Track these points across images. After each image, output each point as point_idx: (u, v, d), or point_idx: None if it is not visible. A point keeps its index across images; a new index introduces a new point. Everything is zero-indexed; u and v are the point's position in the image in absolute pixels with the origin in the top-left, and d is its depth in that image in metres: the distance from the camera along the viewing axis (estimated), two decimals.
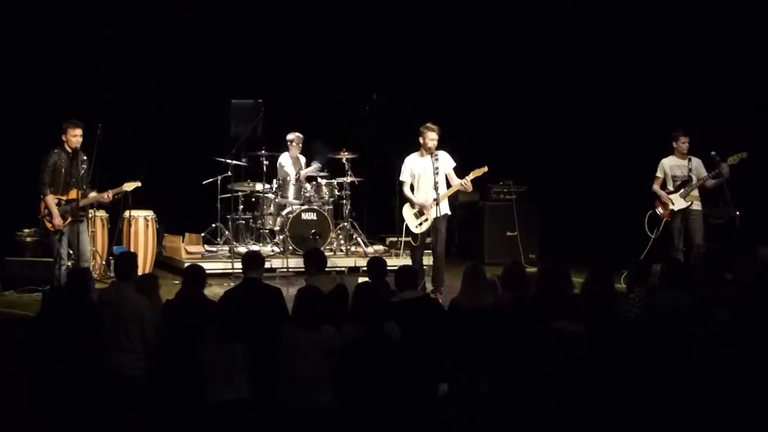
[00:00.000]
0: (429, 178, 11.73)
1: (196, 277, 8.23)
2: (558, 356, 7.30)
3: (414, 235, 12.11)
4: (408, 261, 12.48)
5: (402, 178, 12.00)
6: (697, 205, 12.60)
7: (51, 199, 11.46)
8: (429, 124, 11.77)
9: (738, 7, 14.04)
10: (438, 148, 11.75)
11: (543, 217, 15.79)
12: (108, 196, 11.90)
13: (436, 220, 11.66)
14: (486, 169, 11.99)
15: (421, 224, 11.89)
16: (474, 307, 8.08)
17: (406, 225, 12.13)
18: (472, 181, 11.89)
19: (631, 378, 7.31)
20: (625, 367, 7.34)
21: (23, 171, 12.76)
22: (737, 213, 12.38)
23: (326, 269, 9.87)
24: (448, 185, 11.82)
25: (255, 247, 13.99)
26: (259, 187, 14.78)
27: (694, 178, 12.50)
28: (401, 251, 14.04)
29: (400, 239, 13.94)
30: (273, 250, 14.50)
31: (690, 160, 12.63)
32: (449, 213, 11.98)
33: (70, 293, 8.10)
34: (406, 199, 11.98)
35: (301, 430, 7.12)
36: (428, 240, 12.03)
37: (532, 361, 7.37)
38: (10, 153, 13.74)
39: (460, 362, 7.81)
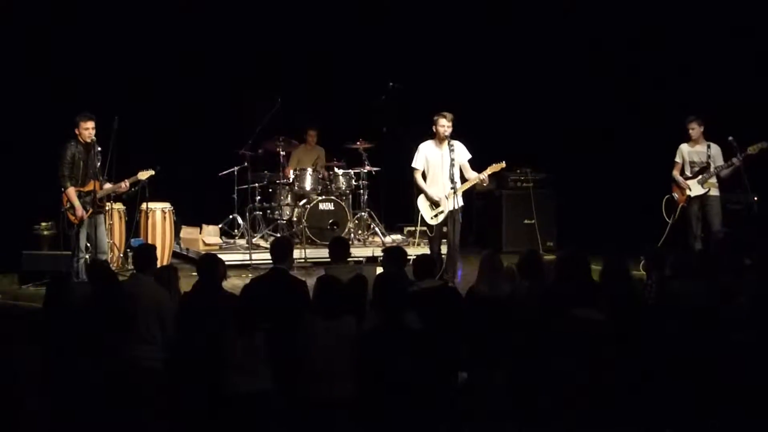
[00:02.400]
0: (444, 168, 11.61)
1: (210, 266, 8.21)
2: (577, 343, 7.29)
3: (430, 226, 12.05)
4: (425, 250, 12.47)
5: (414, 164, 11.86)
6: (714, 191, 12.56)
7: (72, 192, 11.55)
8: (442, 112, 11.68)
9: None
10: (455, 136, 11.68)
11: (560, 205, 15.75)
12: (125, 185, 11.93)
13: (453, 211, 11.60)
14: (504, 164, 11.90)
15: (436, 215, 11.78)
16: (491, 295, 8.07)
17: (421, 215, 12.06)
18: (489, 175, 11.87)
19: (651, 364, 7.31)
20: (645, 353, 7.33)
21: (38, 165, 12.82)
22: (755, 198, 12.35)
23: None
24: (462, 176, 11.75)
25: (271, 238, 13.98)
26: (276, 177, 14.82)
27: (712, 165, 12.46)
28: (417, 240, 13.98)
29: (415, 228, 13.90)
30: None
31: (709, 146, 12.58)
32: (463, 204, 11.84)
33: (97, 285, 8.13)
34: (420, 190, 11.89)
35: (321, 420, 7.13)
36: (445, 229, 11.98)
37: (550, 349, 7.37)
38: (26, 147, 13.76)
39: (479, 351, 7.81)
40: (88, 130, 11.55)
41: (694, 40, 14.61)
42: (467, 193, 12.07)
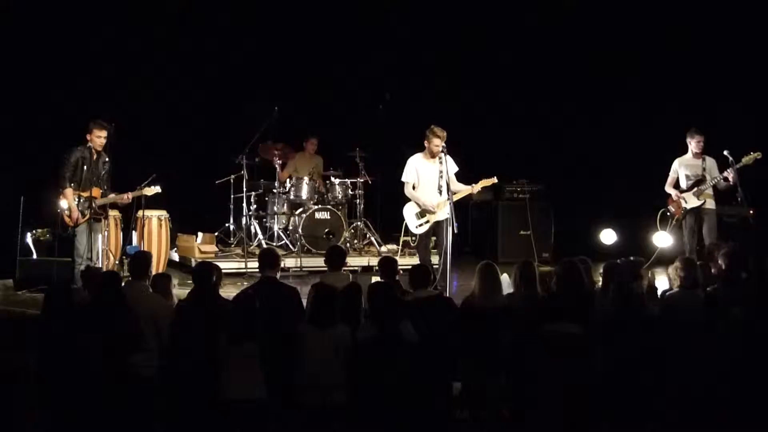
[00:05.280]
0: (433, 181, 11.57)
1: (205, 274, 8.20)
2: (558, 356, 7.30)
3: (414, 235, 11.99)
4: (411, 259, 12.44)
5: (405, 178, 11.74)
6: (710, 204, 12.57)
7: (70, 193, 11.53)
8: (436, 129, 11.50)
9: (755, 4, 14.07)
10: (450, 147, 11.60)
11: (556, 216, 15.75)
12: (128, 197, 11.91)
13: (445, 221, 11.46)
14: (495, 179, 11.86)
15: (421, 225, 11.71)
16: (487, 305, 8.07)
17: (406, 224, 11.99)
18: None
19: (647, 374, 7.33)
20: (644, 363, 7.34)
21: (36, 171, 12.80)
22: (751, 212, 12.36)
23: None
24: (448, 188, 11.64)
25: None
26: (272, 186, 14.83)
27: (708, 178, 12.48)
28: (400, 248, 13.90)
29: (402, 238, 13.84)
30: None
31: (704, 159, 12.62)
32: (453, 215, 11.67)
33: (93, 292, 8.12)
34: (411, 199, 11.78)
35: (314, 428, 7.13)
36: (434, 239, 11.96)
37: (542, 360, 7.38)
38: (23, 153, 13.77)
39: (474, 361, 7.81)
40: (100, 138, 11.60)
41: (689, 50, 14.67)
42: (463, 204, 12.03)
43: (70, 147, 11.62)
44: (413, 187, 11.74)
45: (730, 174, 12.21)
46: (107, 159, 11.75)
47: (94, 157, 11.63)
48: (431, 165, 11.59)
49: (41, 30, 14.31)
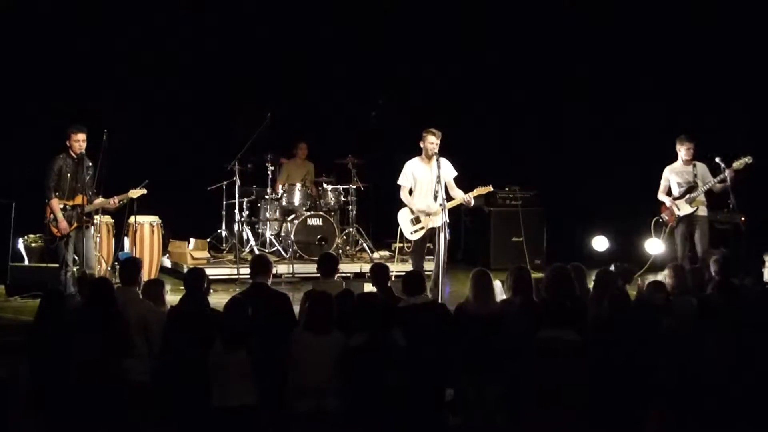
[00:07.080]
0: (429, 185, 11.46)
1: (196, 281, 8.18)
2: (554, 362, 7.29)
3: (409, 241, 11.97)
4: (406, 266, 12.41)
5: (400, 181, 11.66)
6: (702, 211, 12.55)
7: (56, 203, 11.45)
8: (431, 129, 11.54)
9: (744, 10, 14.10)
10: (443, 153, 11.56)
11: (549, 223, 15.75)
12: (114, 202, 11.81)
13: (440, 228, 11.32)
14: (491, 188, 11.81)
15: (416, 231, 11.64)
16: (481, 312, 8.07)
17: (401, 230, 11.95)
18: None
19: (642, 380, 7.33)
20: (638, 369, 7.34)
21: (27, 177, 12.77)
22: (742, 218, 12.37)
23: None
24: (447, 193, 11.60)
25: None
26: (264, 192, 14.83)
27: (700, 184, 12.47)
28: (396, 255, 13.90)
29: (395, 244, 13.86)
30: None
31: (695, 165, 12.59)
32: (448, 220, 11.60)
33: (88, 299, 8.08)
34: (405, 204, 11.70)
35: None
36: (430, 246, 11.92)
37: (536, 367, 7.36)
38: (15, 159, 13.75)
39: (467, 367, 7.80)
40: (78, 141, 11.46)
41: (690, 53, 14.72)
42: (455, 210, 12.00)
43: (52, 156, 11.56)
44: (410, 192, 11.70)
45: (726, 172, 12.17)
46: (90, 164, 11.67)
47: (77, 163, 11.54)
48: (428, 169, 11.53)
49: (31, 33, 14.30)
